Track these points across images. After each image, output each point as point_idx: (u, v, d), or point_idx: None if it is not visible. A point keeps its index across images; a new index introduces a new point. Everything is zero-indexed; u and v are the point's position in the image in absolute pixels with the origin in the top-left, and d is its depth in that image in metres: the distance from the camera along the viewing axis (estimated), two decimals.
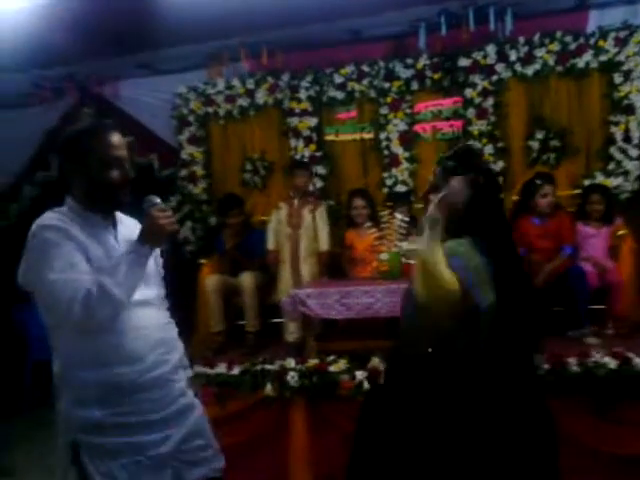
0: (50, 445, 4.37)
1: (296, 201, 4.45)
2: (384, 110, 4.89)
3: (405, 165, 4.85)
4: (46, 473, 3.93)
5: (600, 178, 4.42)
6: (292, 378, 3.28)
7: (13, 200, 5.68)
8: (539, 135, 4.61)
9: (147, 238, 1.78)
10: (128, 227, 1.94)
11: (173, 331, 2.00)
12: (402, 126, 4.86)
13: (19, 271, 1.79)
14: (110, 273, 1.70)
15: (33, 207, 5.51)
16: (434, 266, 1.82)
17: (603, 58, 4.49)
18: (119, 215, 1.94)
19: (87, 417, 1.75)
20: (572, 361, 3.19)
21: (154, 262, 1.95)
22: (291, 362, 3.41)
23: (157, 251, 1.99)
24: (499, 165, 4.64)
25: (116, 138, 1.84)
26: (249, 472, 3.32)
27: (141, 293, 1.82)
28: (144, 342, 1.81)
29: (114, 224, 1.90)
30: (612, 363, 3.12)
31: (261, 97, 5.08)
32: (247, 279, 4.21)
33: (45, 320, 1.79)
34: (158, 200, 1.82)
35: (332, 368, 3.34)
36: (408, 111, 4.86)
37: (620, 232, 4.05)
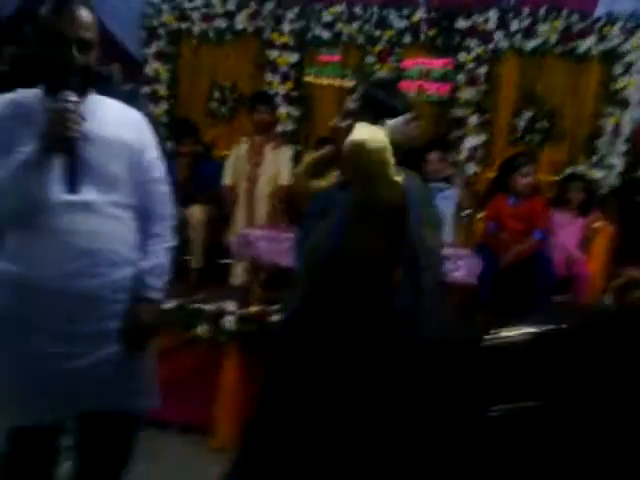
0: None
1: (259, 138, 4.07)
2: (370, 59, 4.55)
3: None
4: None
5: (583, 168, 4.24)
6: (228, 322, 2.98)
7: None
8: (527, 113, 4.40)
9: (44, 140, 1.51)
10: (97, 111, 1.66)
11: (120, 245, 1.69)
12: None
13: None
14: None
15: None
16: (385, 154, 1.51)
17: (606, 46, 4.27)
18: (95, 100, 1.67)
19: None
20: None
21: (128, 166, 1.69)
22: (230, 305, 3.10)
23: (147, 153, 1.77)
24: (482, 138, 4.40)
25: (78, 13, 1.58)
26: (174, 411, 3.04)
27: (79, 195, 1.58)
28: (66, 247, 1.57)
29: None
30: None
31: (240, 22, 4.66)
32: (197, 212, 3.87)
33: None
34: (72, 98, 1.53)
35: (273, 318, 3.05)
36: (395, 65, 4.54)
37: (596, 224, 3.88)
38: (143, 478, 2.06)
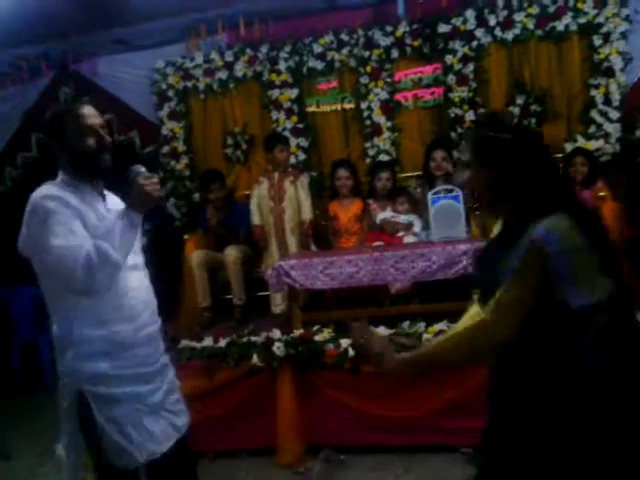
0: (42, 426, 4.41)
1: (276, 174, 4.38)
2: (364, 79, 4.85)
3: (387, 134, 4.83)
4: (40, 454, 3.92)
5: (581, 141, 4.44)
6: (278, 348, 3.30)
7: None
8: (519, 100, 4.62)
9: (135, 205, 1.86)
10: (114, 202, 2.04)
11: (153, 294, 2.09)
12: (383, 95, 4.83)
13: (19, 241, 1.87)
14: (106, 238, 1.79)
15: (14, 188, 5.44)
16: None
17: (582, 20, 4.48)
18: (107, 192, 2.04)
19: (93, 369, 1.87)
20: None
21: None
22: (277, 333, 3.42)
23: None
24: None
25: (87, 109, 1.94)
26: (239, 439, 3.40)
27: (132, 258, 1.94)
28: (137, 302, 1.94)
29: (102, 195, 2.00)
30: None
31: (240, 69, 5.01)
32: (232, 253, 4.19)
33: (46, 286, 1.89)
34: (142, 169, 1.89)
35: (317, 337, 3.37)
36: (389, 80, 4.83)
37: (601, 194, 4.06)
38: None
